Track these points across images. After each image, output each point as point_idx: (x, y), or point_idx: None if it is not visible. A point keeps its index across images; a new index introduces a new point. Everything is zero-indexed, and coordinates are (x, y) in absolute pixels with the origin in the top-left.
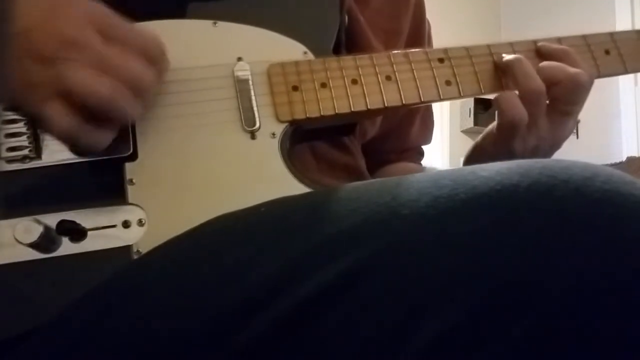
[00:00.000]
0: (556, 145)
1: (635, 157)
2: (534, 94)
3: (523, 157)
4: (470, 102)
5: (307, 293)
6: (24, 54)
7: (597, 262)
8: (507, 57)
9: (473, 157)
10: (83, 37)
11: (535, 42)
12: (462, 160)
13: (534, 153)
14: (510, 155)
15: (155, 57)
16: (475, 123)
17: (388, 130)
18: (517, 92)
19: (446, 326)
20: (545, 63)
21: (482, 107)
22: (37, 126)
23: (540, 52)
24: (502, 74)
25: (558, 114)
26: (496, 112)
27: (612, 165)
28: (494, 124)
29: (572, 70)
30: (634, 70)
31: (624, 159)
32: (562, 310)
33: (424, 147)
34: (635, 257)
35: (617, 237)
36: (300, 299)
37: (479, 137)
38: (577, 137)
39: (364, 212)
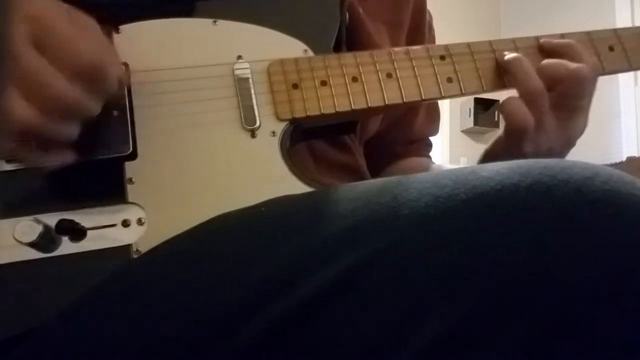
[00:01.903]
0: (569, 144)
1: (635, 157)
2: (533, 94)
3: (538, 157)
4: (470, 102)
5: (307, 292)
6: None
7: (597, 262)
8: (507, 56)
9: (490, 156)
10: (16, 48)
11: (537, 38)
12: (463, 160)
13: (547, 156)
14: (521, 157)
15: (93, 74)
16: (475, 123)
17: (393, 122)
18: (517, 93)
19: (446, 326)
20: (545, 62)
21: (482, 107)
22: None
23: (543, 49)
24: (503, 72)
25: (566, 110)
26: (501, 118)
27: (612, 165)
28: (502, 130)
29: (573, 65)
30: (638, 67)
31: (624, 159)
32: (562, 310)
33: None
34: (635, 257)
35: (617, 237)
36: (300, 299)
37: (490, 144)
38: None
39: (364, 212)
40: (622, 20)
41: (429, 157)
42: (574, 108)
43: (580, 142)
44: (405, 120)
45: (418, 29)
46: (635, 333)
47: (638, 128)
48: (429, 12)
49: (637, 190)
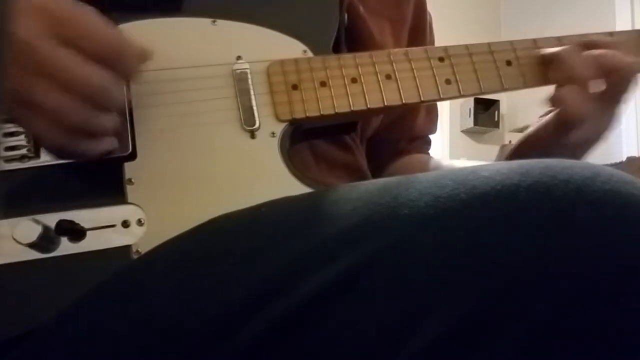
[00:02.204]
0: (603, 137)
1: (635, 157)
2: (584, 83)
3: (574, 149)
4: (470, 102)
5: (307, 293)
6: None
7: (597, 262)
8: (551, 49)
9: (529, 144)
10: (36, 42)
11: (534, 40)
12: (463, 160)
13: (584, 145)
14: (563, 148)
15: (114, 57)
16: (475, 123)
17: (394, 120)
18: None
19: (446, 326)
20: (600, 52)
21: (482, 107)
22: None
23: (587, 45)
24: (548, 64)
25: (610, 102)
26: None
27: (612, 165)
28: (548, 118)
29: (630, 58)
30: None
31: (624, 159)
32: (562, 310)
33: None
34: (635, 257)
35: (618, 237)
36: (300, 299)
37: (530, 131)
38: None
39: (364, 212)
40: (622, 20)
41: (429, 154)
42: (618, 101)
43: None
44: (406, 118)
45: (419, 28)
46: (635, 333)
47: (638, 128)
48: (429, 14)
49: (637, 190)
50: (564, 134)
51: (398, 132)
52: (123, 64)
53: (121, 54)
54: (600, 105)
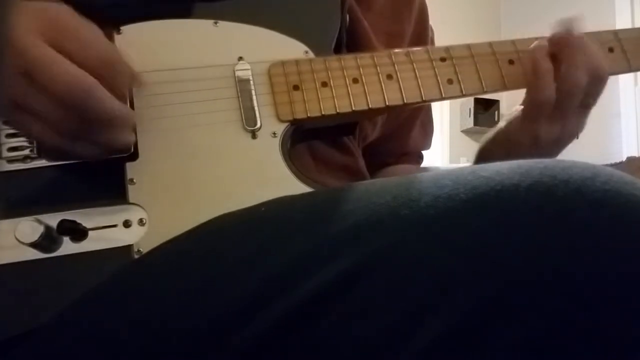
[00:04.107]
0: (569, 140)
1: (635, 157)
2: (578, 86)
3: (547, 146)
4: (470, 102)
5: (307, 292)
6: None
7: (597, 261)
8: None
9: (496, 142)
10: (25, 40)
11: (537, 39)
12: (463, 160)
13: (555, 144)
14: (534, 141)
15: (105, 70)
16: (475, 123)
17: (388, 133)
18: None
19: (446, 326)
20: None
21: (482, 107)
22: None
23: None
24: (552, 55)
25: (584, 106)
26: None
27: (612, 165)
28: (517, 109)
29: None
30: (638, 68)
31: (624, 159)
32: (562, 311)
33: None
34: (635, 257)
35: (618, 237)
36: (300, 299)
37: (502, 123)
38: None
39: (364, 211)
40: (622, 20)
41: (419, 167)
42: (589, 105)
43: (580, 142)
44: (401, 132)
45: (420, 44)
46: (636, 332)
47: (638, 128)
48: (432, 28)
49: (637, 191)
50: (532, 121)
51: (390, 147)
52: (116, 80)
53: (115, 70)
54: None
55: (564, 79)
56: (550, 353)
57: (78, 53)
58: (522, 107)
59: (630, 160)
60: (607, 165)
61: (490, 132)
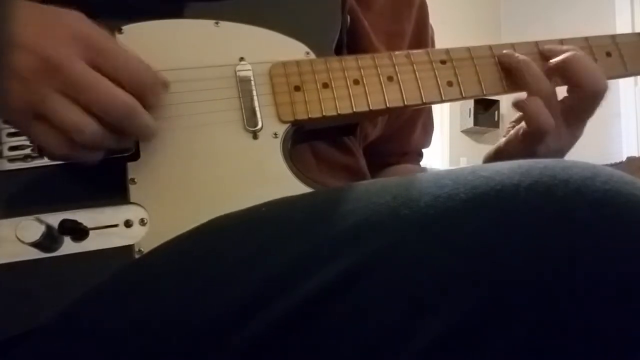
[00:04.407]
0: (568, 149)
1: (635, 157)
2: (547, 96)
3: (546, 157)
4: (470, 103)
5: (307, 292)
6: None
7: (597, 261)
8: (512, 58)
9: (499, 158)
10: (67, 62)
11: (537, 43)
12: (463, 160)
13: (555, 155)
14: (547, 152)
15: (143, 88)
16: (475, 123)
17: (390, 134)
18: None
19: (447, 326)
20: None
21: (482, 107)
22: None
23: (545, 56)
24: (508, 75)
25: (576, 117)
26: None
27: (612, 165)
28: (517, 128)
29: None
30: (635, 73)
31: (624, 159)
32: (562, 310)
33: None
34: (635, 257)
35: (618, 237)
36: (300, 299)
37: (502, 142)
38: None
39: (364, 211)
40: (622, 20)
41: (420, 165)
42: (585, 117)
43: (580, 142)
44: (403, 133)
45: (420, 43)
46: (636, 332)
47: (638, 128)
48: (432, 27)
49: (637, 190)
50: (531, 145)
51: (391, 147)
52: (150, 95)
53: (150, 85)
54: (567, 119)
55: (530, 92)
56: (550, 353)
57: (116, 73)
58: (515, 131)
59: (630, 160)
60: (607, 165)
61: (491, 150)
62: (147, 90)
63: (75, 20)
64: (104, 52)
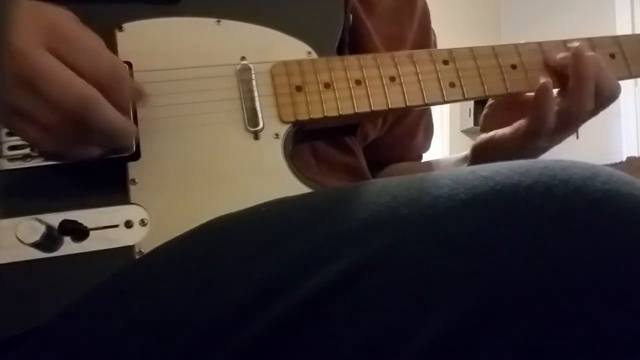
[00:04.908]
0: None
1: (635, 157)
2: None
3: (533, 154)
4: (470, 102)
5: (307, 292)
6: None
7: (597, 262)
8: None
9: (488, 151)
10: (27, 49)
11: (540, 44)
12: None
13: (541, 152)
14: (534, 149)
15: (109, 83)
16: (475, 123)
17: (391, 140)
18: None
19: (446, 325)
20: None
21: (482, 108)
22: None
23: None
24: (554, 71)
25: (582, 120)
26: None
27: (612, 165)
28: (520, 123)
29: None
30: (638, 75)
31: (624, 159)
32: (562, 310)
33: None
34: (635, 257)
35: (617, 237)
36: (300, 299)
37: (499, 134)
38: (577, 137)
39: (364, 211)
40: (622, 20)
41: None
42: (588, 118)
43: (580, 142)
44: (404, 139)
45: (422, 47)
46: (636, 332)
47: (638, 128)
48: (434, 32)
49: (636, 190)
50: (534, 136)
51: (393, 154)
52: (119, 94)
53: (119, 83)
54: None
55: (577, 103)
56: (550, 353)
57: (82, 64)
58: (519, 124)
59: (630, 160)
60: (607, 165)
61: (483, 139)
62: (113, 86)
63: (51, 12)
64: (71, 41)
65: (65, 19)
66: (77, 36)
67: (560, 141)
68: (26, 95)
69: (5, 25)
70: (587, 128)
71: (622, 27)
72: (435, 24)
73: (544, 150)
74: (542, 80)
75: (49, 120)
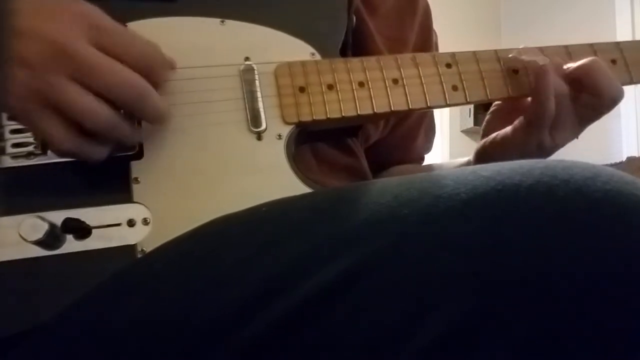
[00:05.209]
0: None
1: (635, 157)
2: (564, 97)
3: (538, 154)
4: None
5: (307, 293)
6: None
7: (597, 262)
8: (533, 63)
9: (491, 153)
10: (73, 45)
11: (541, 49)
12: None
13: (545, 152)
14: (539, 148)
15: (151, 67)
16: (475, 123)
17: (393, 141)
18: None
19: (447, 325)
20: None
21: (482, 108)
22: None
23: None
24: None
25: (586, 120)
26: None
27: (612, 165)
28: (521, 117)
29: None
30: (639, 82)
31: (624, 159)
32: (563, 310)
33: None
34: (636, 257)
35: (618, 237)
36: (300, 299)
37: (501, 134)
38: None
39: (364, 211)
40: (622, 20)
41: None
42: (591, 121)
43: (580, 142)
44: (405, 141)
45: (424, 49)
46: (636, 332)
47: (638, 128)
48: (435, 33)
49: (638, 191)
50: (537, 130)
51: (396, 153)
52: (158, 75)
53: (158, 64)
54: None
55: (584, 105)
56: (550, 353)
57: (124, 55)
58: (518, 122)
59: (630, 160)
60: (607, 165)
61: (485, 141)
62: (155, 70)
63: (74, 2)
64: (108, 32)
65: (100, 13)
66: (110, 26)
67: (564, 141)
68: (74, 89)
69: (7, 15)
70: (587, 128)
71: (622, 27)
72: (436, 24)
73: (547, 150)
74: (542, 63)
75: (89, 112)
